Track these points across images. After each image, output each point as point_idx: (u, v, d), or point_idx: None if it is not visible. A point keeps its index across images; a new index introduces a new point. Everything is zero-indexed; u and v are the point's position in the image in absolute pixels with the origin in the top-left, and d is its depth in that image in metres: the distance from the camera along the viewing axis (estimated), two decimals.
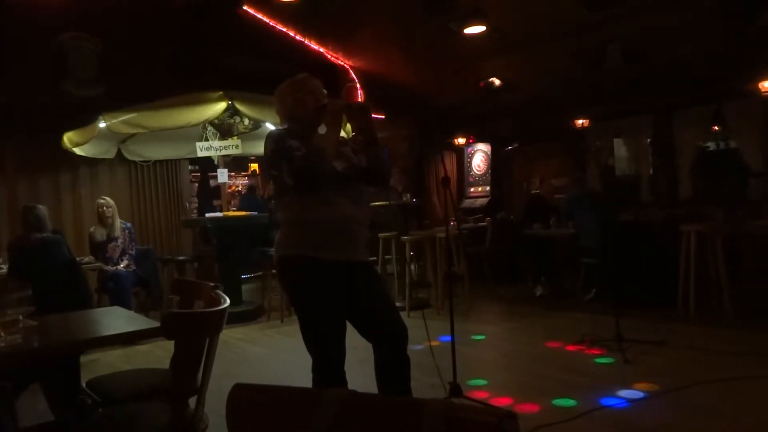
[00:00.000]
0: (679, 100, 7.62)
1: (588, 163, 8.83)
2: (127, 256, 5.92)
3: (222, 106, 5.66)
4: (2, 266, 5.29)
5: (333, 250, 2.45)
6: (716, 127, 7.73)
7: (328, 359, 2.44)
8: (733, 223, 5.16)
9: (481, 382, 3.90)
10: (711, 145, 8.15)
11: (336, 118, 2.58)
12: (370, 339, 2.58)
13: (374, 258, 7.32)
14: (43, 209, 4.85)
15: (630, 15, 6.22)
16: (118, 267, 5.80)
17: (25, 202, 5.92)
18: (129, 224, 6.19)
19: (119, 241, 5.90)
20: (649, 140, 8.35)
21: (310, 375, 2.56)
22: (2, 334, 2.06)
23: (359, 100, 8.77)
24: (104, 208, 5.91)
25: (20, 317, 2.13)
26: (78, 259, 5.46)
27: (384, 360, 2.57)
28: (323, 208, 2.45)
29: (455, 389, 3.34)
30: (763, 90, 6.57)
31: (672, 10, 6.01)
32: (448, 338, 3.55)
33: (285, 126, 2.66)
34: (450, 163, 10.53)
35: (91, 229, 6.00)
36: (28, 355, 2.05)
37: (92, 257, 5.95)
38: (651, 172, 8.34)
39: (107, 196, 6.17)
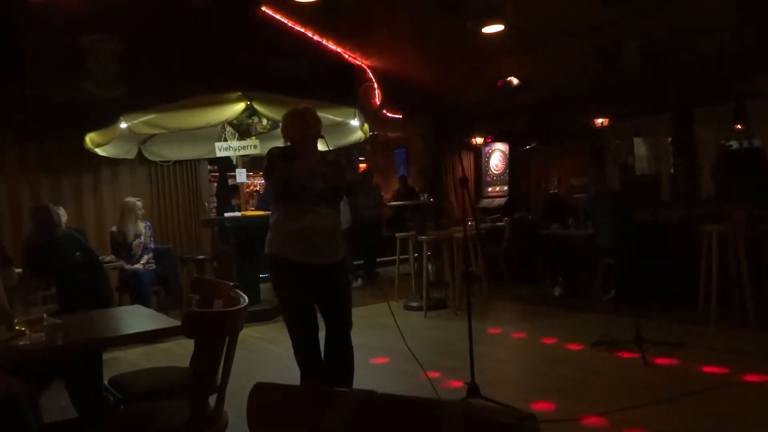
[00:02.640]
0: (699, 98, 7.51)
1: (607, 162, 8.75)
2: (147, 249, 6.01)
3: (241, 106, 5.70)
4: None
5: (298, 253, 3.00)
6: (739, 126, 7.61)
7: (300, 339, 3.03)
8: (756, 223, 5.07)
9: (498, 381, 3.89)
10: (733, 144, 8.02)
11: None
12: (325, 323, 3.15)
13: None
14: (47, 207, 4.93)
15: (649, 12, 6.15)
16: (141, 264, 5.90)
17: (48, 202, 6.04)
18: (148, 222, 6.32)
19: (141, 237, 6.02)
20: (669, 139, 8.24)
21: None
22: (27, 332, 2.10)
23: (376, 100, 8.80)
24: (140, 210, 6.05)
25: (44, 315, 2.17)
26: (100, 258, 5.55)
27: (329, 341, 3.15)
28: (293, 219, 3.01)
29: (473, 389, 3.33)
30: None
31: (692, 6, 5.93)
32: None
33: (285, 144, 3.26)
34: (467, 162, 10.50)
35: (113, 229, 6.10)
36: (52, 352, 2.09)
37: (113, 256, 6.04)
38: (671, 171, 8.24)
39: (130, 196, 6.29)
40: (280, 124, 3.27)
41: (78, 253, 4.94)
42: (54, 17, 6.02)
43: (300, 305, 3.04)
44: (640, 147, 8.74)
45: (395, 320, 3.40)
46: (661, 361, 4.09)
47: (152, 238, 6.21)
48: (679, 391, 3.48)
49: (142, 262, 5.91)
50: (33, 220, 4.97)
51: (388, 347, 4.45)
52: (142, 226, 6.07)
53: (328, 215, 3.09)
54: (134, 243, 5.97)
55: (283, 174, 2.99)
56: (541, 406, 3.38)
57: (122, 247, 5.96)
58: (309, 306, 3.06)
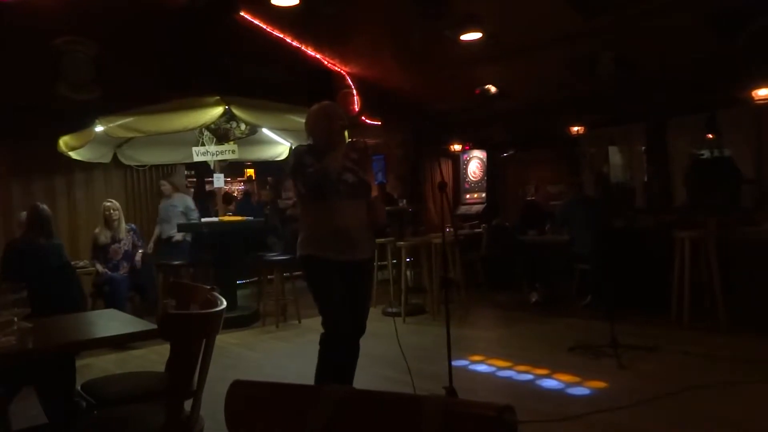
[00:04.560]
0: (672, 108, 7.67)
1: (583, 170, 8.87)
2: (127, 256, 5.95)
3: (219, 110, 5.67)
4: None
5: (335, 251, 2.98)
6: (709, 135, 7.78)
7: (338, 334, 2.99)
8: (726, 230, 5.18)
9: (476, 385, 3.91)
10: (704, 153, 8.20)
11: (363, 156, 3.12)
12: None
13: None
14: (48, 210, 4.83)
15: (624, 23, 6.27)
16: (118, 271, 5.82)
17: (19, 206, 5.93)
18: (133, 225, 6.26)
19: (122, 242, 5.93)
20: (643, 148, 8.39)
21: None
22: None
23: (355, 106, 8.81)
24: (111, 211, 5.95)
25: (14, 319, 2.12)
26: (73, 263, 5.45)
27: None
28: (330, 217, 2.97)
29: (451, 394, 3.33)
30: (755, 98, 6.63)
31: (665, 18, 6.06)
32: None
33: (309, 142, 3.18)
34: (446, 169, 10.55)
35: (96, 230, 6.01)
36: (23, 356, 2.03)
37: (86, 261, 5.95)
38: (645, 179, 8.38)
39: (105, 200, 6.20)
40: (305, 122, 3.21)
41: (57, 263, 4.85)
42: (28, 18, 5.93)
43: (343, 305, 2.99)
44: (615, 155, 8.89)
45: (396, 331, 3.35)
46: (636, 364, 4.15)
47: (141, 242, 6.25)
48: (653, 394, 3.53)
49: (120, 271, 5.84)
50: (26, 219, 4.86)
51: (368, 353, 4.43)
52: (124, 230, 6.00)
53: (362, 208, 3.07)
54: (112, 247, 5.89)
55: (319, 169, 2.90)
56: (517, 409, 3.40)
57: (99, 250, 5.89)
58: (345, 304, 3.02)
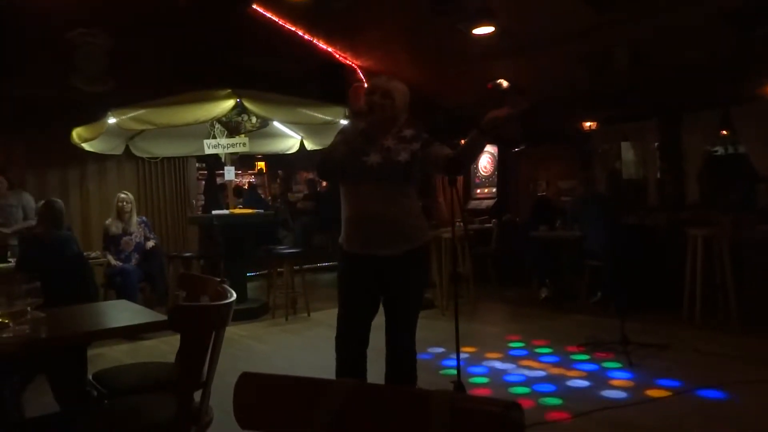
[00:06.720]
0: (686, 104, 7.58)
1: (595, 166, 8.81)
2: (139, 247, 6.03)
3: (230, 103, 5.68)
4: (10, 259, 5.33)
5: (353, 243, 2.69)
6: (724, 132, 7.69)
7: (343, 339, 2.72)
8: (740, 229, 5.13)
9: (483, 380, 3.91)
10: (719, 150, 8.11)
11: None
12: (386, 336, 2.75)
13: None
14: (61, 204, 4.89)
15: (638, 18, 6.21)
16: (130, 262, 5.89)
17: (33, 198, 6.00)
18: (144, 217, 6.35)
19: (134, 235, 6.00)
20: (656, 144, 8.31)
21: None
22: (10, 324, 2.07)
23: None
24: (124, 203, 6.03)
25: (28, 308, 2.14)
26: (85, 254, 5.51)
27: (387, 347, 2.75)
28: (346, 204, 2.69)
29: (458, 387, 3.33)
30: None
31: (679, 13, 5.99)
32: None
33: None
34: None
35: (107, 222, 6.09)
36: (36, 345, 2.06)
37: (99, 252, 6.01)
38: (658, 176, 8.31)
39: (119, 192, 6.29)
40: None
41: (70, 255, 4.91)
42: (42, 11, 5.97)
43: (353, 301, 2.70)
44: (628, 151, 8.81)
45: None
46: (646, 362, 4.13)
47: (152, 234, 6.32)
48: (662, 392, 3.51)
49: (132, 262, 5.91)
50: (39, 212, 4.93)
51: (376, 346, 4.45)
52: (135, 223, 6.07)
53: (390, 197, 2.60)
54: (123, 239, 5.95)
55: (327, 150, 2.65)
56: (524, 405, 3.40)
57: (110, 241, 5.96)
58: (358, 304, 2.69)
